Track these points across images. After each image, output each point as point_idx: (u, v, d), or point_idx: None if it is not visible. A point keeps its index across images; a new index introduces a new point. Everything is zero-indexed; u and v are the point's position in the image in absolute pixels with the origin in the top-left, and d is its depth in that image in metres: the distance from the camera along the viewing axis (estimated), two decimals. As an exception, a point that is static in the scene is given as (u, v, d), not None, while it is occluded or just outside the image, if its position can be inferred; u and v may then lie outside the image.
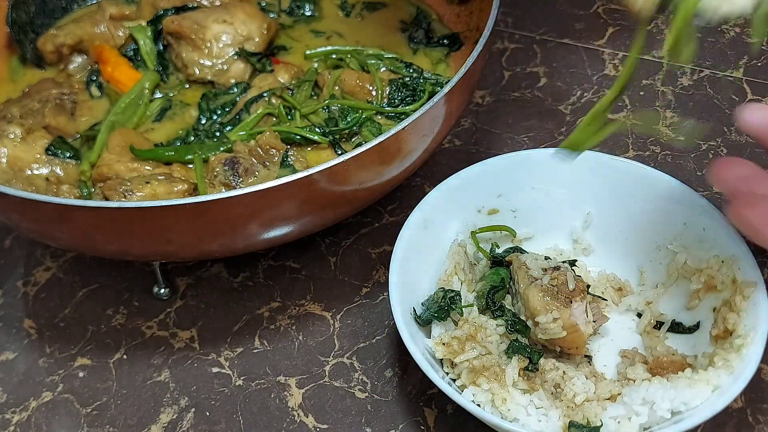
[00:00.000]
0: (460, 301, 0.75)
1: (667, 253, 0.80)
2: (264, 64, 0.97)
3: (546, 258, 0.77)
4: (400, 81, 0.92)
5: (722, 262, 0.75)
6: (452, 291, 0.75)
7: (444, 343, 0.71)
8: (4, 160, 0.84)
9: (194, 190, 0.83)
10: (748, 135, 0.89)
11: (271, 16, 1.05)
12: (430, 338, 0.73)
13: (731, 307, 0.72)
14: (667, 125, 1.04)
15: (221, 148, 0.86)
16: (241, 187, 0.75)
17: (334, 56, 0.99)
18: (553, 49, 1.16)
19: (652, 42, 1.16)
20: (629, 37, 1.16)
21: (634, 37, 0.82)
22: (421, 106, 0.76)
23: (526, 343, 0.72)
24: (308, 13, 1.07)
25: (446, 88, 0.76)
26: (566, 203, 0.84)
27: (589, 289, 0.79)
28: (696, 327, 0.76)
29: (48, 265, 0.93)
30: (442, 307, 0.74)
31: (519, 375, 0.70)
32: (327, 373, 0.81)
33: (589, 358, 0.76)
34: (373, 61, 0.96)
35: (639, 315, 0.80)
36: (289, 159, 0.84)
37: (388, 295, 0.74)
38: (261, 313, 0.87)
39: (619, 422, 0.67)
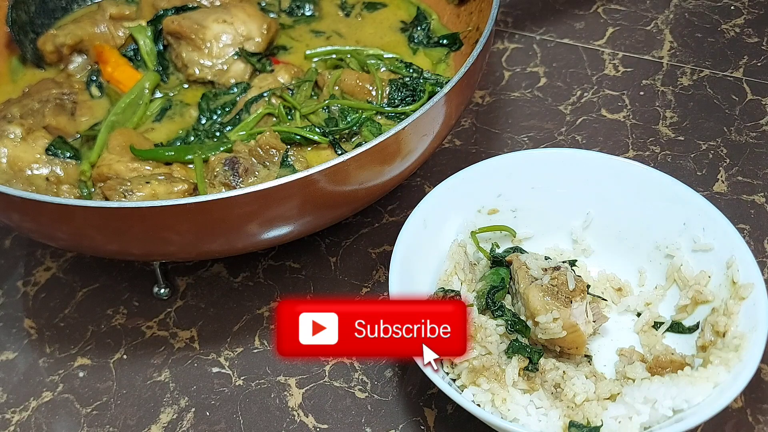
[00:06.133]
0: (460, 301, 0.75)
1: (666, 253, 0.80)
2: (264, 64, 0.97)
3: (546, 258, 0.77)
4: (400, 81, 0.92)
5: (709, 277, 0.75)
6: (452, 291, 0.75)
7: (444, 343, 0.71)
8: (4, 160, 0.84)
9: (194, 190, 0.82)
10: None
11: (271, 16, 1.05)
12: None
13: (723, 311, 0.72)
14: (667, 125, 1.04)
15: (221, 148, 0.86)
16: (241, 187, 0.75)
17: (334, 56, 0.99)
18: (553, 49, 1.16)
19: (652, 42, 1.16)
20: (629, 37, 1.17)
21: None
22: (421, 106, 0.76)
23: (526, 343, 0.72)
24: (308, 13, 1.07)
25: (446, 88, 0.76)
26: (566, 203, 0.84)
27: (589, 289, 0.79)
28: (696, 327, 0.76)
29: (48, 265, 0.93)
30: (442, 307, 0.74)
31: (519, 375, 0.70)
32: (327, 373, 0.81)
33: (589, 357, 0.76)
34: (373, 61, 0.96)
35: (639, 315, 0.80)
36: (289, 159, 0.84)
37: (388, 295, 0.74)
38: (261, 313, 0.87)
39: (619, 422, 0.67)
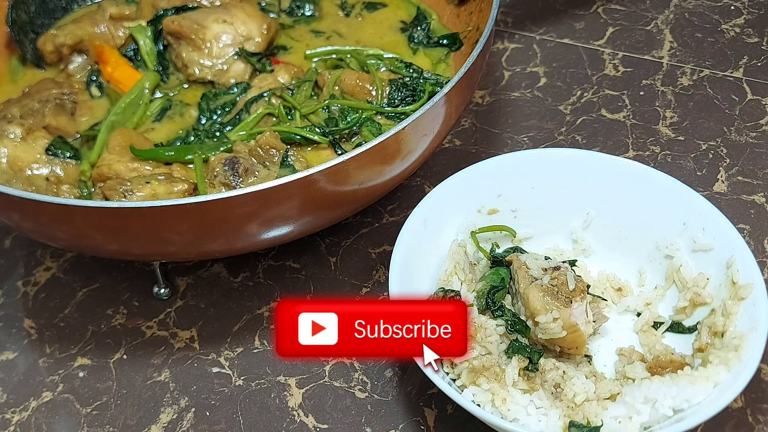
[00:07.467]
0: (460, 301, 0.75)
1: (666, 254, 0.80)
2: (264, 64, 0.97)
3: (546, 258, 0.77)
4: (400, 81, 0.92)
5: (708, 279, 0.75)
6: (452, 291, 0.75)
7: (444, 343, 0.71)
8: (4, 160, 0.84)
9: (194, 190, 0.82)
10: None
11: (271, 16, 1.05)
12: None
13: (722, 312, 0.72)
14: (667, 125, 1.04)
15: (221, 148, 0.86)
16: (241, 187, 0.75)
17: (334, 56, 0.99)
18: (553, 49, 1.16)
19: (652, 42, 1.16)
20: (629, 37, 1.16)
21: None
22: (421, 106, 0.76)
23: (526, 343, 0.72)
24: (308, 13, 1.07)
25: (446, 88, 0.76)
26: (566, 203, 0.84)
27: (589, 289, 0.79)
28: (695, 327, 0.76)
29: (48, 265, 0.93)
30: (442, 307, 0.74)
31: (519, 375, 0.70)
32: (327, 373, 0.81)
33: (589, 357, 0.76)
34: (373, 61, 0.96)
35: (638, 315, 0.80)
36: (289, 159, 0.84)
37: (388, 295, 0.74)
38: (261, 313, 0.87)
39: (619, 422, 0.67)
